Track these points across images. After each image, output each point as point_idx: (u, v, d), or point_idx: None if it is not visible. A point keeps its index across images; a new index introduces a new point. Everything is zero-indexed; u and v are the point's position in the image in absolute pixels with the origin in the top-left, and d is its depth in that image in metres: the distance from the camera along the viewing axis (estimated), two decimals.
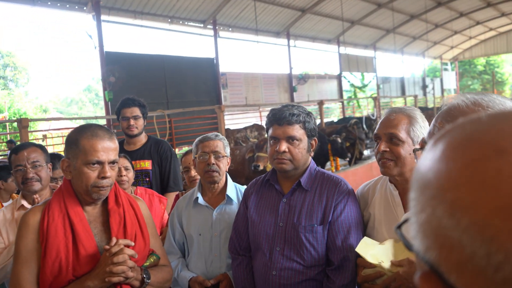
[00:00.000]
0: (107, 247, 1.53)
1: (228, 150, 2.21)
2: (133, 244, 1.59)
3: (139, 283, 1.62)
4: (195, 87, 13.02)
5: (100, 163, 1.59)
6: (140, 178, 3.12)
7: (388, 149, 1.65)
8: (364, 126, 13.37)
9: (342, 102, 19.34)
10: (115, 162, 1.64)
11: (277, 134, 1.80)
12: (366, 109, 21.34)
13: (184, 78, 12.68)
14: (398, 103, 24.54)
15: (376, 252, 1.54)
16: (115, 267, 1.50)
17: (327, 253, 1.76)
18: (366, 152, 12.01)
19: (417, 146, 1.68)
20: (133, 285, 1.60)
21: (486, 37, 25.97)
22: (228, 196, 2.17)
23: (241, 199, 2.18)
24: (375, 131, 1.73)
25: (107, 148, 1.60)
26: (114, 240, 1.56)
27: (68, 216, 1.59)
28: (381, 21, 18.32)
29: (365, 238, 1.57)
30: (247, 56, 17.06)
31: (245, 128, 11.04)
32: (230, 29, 14.49)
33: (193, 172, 2.62)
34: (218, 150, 2.15)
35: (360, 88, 21.94)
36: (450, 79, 29.85)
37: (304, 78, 17.00)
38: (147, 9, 11.69)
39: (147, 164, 3.15)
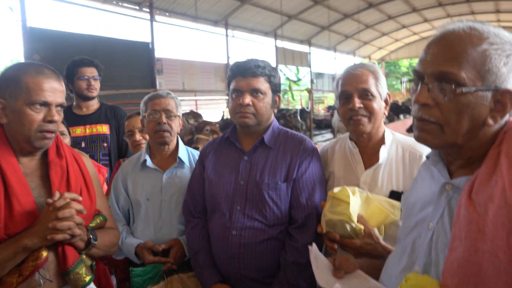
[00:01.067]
0: (50, 200, 1.31)
1: (180, 110, 2.05)
2: (80, 198, 1.39)
3: (84, 245, 1.42)
4: (128, 71, 12.40)
5: (47, 104, 1.37)
6: (97, 143, 2.87)
7: (362, 105, 1.60)
8: (299, 117, 13.75)
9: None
10: (62, 106, 1.43)
11: (241, 86, 1.68)
12: (300, 102, 21.90)
13: (117, 61, 12.00)
14: (330, 98, 25.49)
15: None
16: (60, 223, 1.29)
17: (290, 212, 1.68)
18: None
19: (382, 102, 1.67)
20: (77, 246, 1.40)
21: (410, 41, 27.79)
22: (179, 159, 2.01)
23: (193, 163, 2.04)
24: (342, 87, 1.67)
25: (56, 88, 1.39)
26: (57, 193, 1.35)
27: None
28: (317, 17, 18.80)
29: (345, 186, 1.48)
30: (185, 43, 16.57)
31: (182, 115, 10.75)
32: (167, 14, 13.99)
33: (138, 136, 2.42)
34: (170, 109, 1.98)
35: (295, 81, 22.41)
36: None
37: None
38: None
39: (104, 129, 2.91)
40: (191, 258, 1.83)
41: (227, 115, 15.51)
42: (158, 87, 13.14)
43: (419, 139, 0.96)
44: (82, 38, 11.41)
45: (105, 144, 2.90)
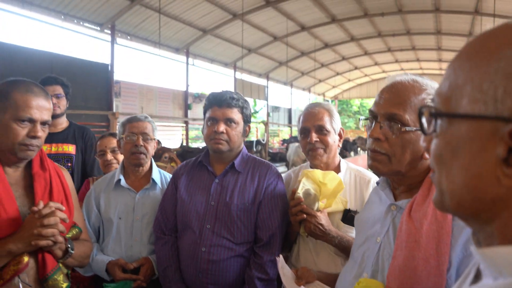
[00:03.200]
0: (36, 208, 1.41)
1: (156, 134, 2.19)
2: (64, 208, 1.49)
3: (62, 253, 1.51)
4: (85, 92, 12.16)
5: (32, 121, 1.47)
6: (61, 162, 2.88)
7: (318, 139, 1.85)
8: (254, 148, 14.06)
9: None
10: (46, 124, 1.54)
11: (216, 115, 1.87)
12: (256, 134, 22.28)
13: (73, 80, 11.53)
14: (285, 132, 26.13)
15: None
16: (45, 230, 1.38)
17: (255, 231, 1.85)
18: None
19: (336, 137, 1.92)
20: (55, 254, 1.49)
21: (362, 82, 29.35)
22: (153, 180, 2.14)
23: (165, 184, 2.17)
24: (302, 124, 1.92)
25: (42, 106, 1.50)
26: (41, 202, 1.44)
27: None
28: (275, 53, 19.52)
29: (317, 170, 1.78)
30: (144, 67, 16.58)
31: None
32: (129, 37, 14.04)
33: (109, 156, 2.51)
34: (147, 132, 2.12)
35: (252, 113, 22.85)
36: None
37: (200, 97, 17.13)
38: (37, 0, 10.74)
39: (70, 149, 2.92)
40: (160, 273, 1.93)
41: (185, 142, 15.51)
42: (115, 109, 12.97)
43: (371, 167, 1.19)
44: (39, 54, 11.11)
45: (69, 164, 2.92)
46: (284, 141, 21.23)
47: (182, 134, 17.06)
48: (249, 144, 14.02)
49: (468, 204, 0.52)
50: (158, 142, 8.28)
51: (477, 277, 0.57)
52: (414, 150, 1.12)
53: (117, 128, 2.17)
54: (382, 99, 1.17)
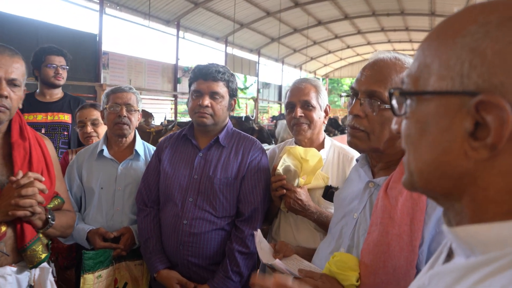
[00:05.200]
0: (14, 178, 1.39)
1: (140, 105, 2.17)
2: (43, 179, 1.47)
3: (42, 224, 1.50)
4: (72, 62, 11.83)
5: None
6: (58, 131, 2.89)
7: (303, 114, 1.84)
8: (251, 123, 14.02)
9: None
10: (16, 83, 1.47)
11: (201, 88, 1.85)
12: (245, 110, 22.22)
13: None
14: (275, 109, 26.09)
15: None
16: (23, 200, 1.37)
17: (237, 205, 1.87)
18: None
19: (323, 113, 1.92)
20: (35, 225, 1.48)
21: (354, 61, 29.24)
22: (136, 151, 2.12)
23: (148, 156, 2.16)
24: (288, 99, 1.92)
25: (5, 64, 1.43)
26: (20, 172, 1.42)
27: None
28: (268, 28, 19.26)
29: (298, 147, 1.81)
30: (134, 39, 16.23)
31: None
32: (118, 7, 13.70)
33: (89, 128, 2.46)
34: (131, 103, 2.09)
35: (241, 89, 22.71)
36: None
37: (190, 71, 16.88)
38: None
39: (66, 118, 2.94)
40: (141, 245, 1.95)
41: (171, 118, 15.40)
42: (102, 81, 12.77)
43: (350, 143, 1.20)
44: (23, 22, 10.78)
45: (65, 133, 2.93)
46: (273, 117, 21.21)
47: (171, 108, 16.91)
48: (239, 120, 13.98)
49: (436, 181, 0.53)
50: (150, 115, 8.23)
51: (450, 256, 0.58)
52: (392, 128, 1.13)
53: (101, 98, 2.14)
54: (363, 76, 1.17)
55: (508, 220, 0.45)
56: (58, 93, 3.02)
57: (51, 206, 1.60)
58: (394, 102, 0.59)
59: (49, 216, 1.52)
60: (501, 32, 0.47)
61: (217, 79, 1.85)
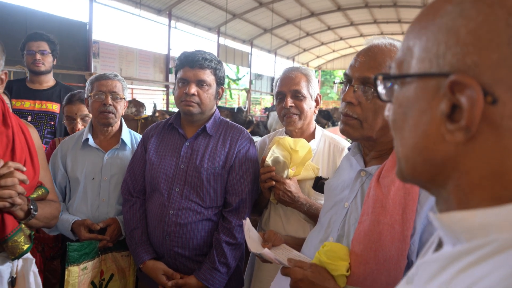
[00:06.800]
0: None
1: (126, 93, 2.10)
2: (24, 169, 1.41)
3: (24, 214, 1.45)
4: (61, 51, 11.44)
5: None
6: (44, 120, 2.81)
7: (293, 104, 1.79)
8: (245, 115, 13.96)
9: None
10: None
11: (188, 76, 1.79)
12: (237, 101, 22.12)
13: None
14: (267, 100, 26.01)
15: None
16: (1, 191, 1.31)
17: (225, 195, 1.82)
18: None
19: (313, 103, 1.87)
20: (17, 215, 1.43)
21: (346, 53, 29.19)
22: (122, 140, 2.06)
23: (135, 145, 2.11)
24: (278, 88, 1.86)
25: None
26: (1, 161, 1.36)
27: None
28: (261, 19, 19.13)
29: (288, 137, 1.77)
30: (125, 28, 15.95)
31: None
32: None
33: (79, 125, 2.38)
34: (116, 91, 2.03)
35: (234, 80, 22.59)
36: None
37: None
38: None
39: (54, 107, 2.85)
40: (127, 235, 1.90)
41: (163, 107, 15.27)
42: (93, 70, 12.61)
43: (343, 131, 1.15)
44: (11, 9, 10.59)
45: (52, 123, 2.85)
46: (266, 109, 21.14)
47: (163, 99, 16.76)
48: (232, 111, 13.91)
49: (421, 168, 0.51)
50: (142, 105, 8.12)
51: (440, 245, 0.56)
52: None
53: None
54: (357, 62, 1.12)
55: (493, 206, 0.43)
56: (49, 81, 2.94)
57: (35, 196, 1.54)
58: (381, 87, 0.57)
59: (32, 207, 1.46)
60: (474, 10, 0.45)
61: (204, 67, 1.79)
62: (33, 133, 1.61)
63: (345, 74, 1.16)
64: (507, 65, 0.42)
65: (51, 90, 2.90)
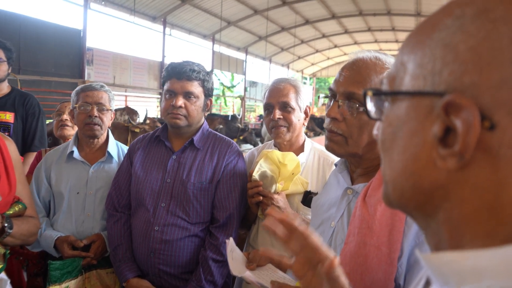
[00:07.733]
0: None
1: (113, 104, 2.06)
2: None
3: None
4: (55, 58, 11.68)
5: None
6: None
7: (282, 117, 1.76)
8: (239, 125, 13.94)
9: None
10: None
11: (175, 88, 1.75)
12: (232, 108, 22.09)
13: (43, 45, 11.27)
14: (262, 107, 26.00)
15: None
16: None
17: (212, 211, 1.78)
18: None
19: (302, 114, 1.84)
20: None
21: (341, 60, 29.25)
22: (109, 153, 2.02)
23: (122, 158, 2.06)
24: (266, 100, 1.83)
25: None
26: None
27: None
28: (255, 27, 19.17)
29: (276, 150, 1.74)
30: (119, 35, 15.91)
31: (115, 110, 10.38)
32: (103, 2, 13.45)
33: (65, 116, 2.33)
34: (103, 102, 1.99)
35: (229, 88, 22.59)
36: (307, 93, 32.80)
37: None
38: None
39: (8, 117, 2.71)
40: (111, 252, 1.84)
41: (157, 115, 15.20)
42: (86, 78, 12.54)
43: (327, 148, 1.12)
44: (5, 16, 10.53)
45: (6, 133, 2.69)
46: (260, 116, 21.12)
47: (157, 106, 16.69)
48: (226, 119, 13.88)
49: (409, 194, 0.47)
50: (135, 113, 8.07)
51: (428, 283, 0.53)
52: (372, 132, 1.06)
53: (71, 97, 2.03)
54: (342, 76, 1.09)
55: (486, 246, 0.39)
56: (3, 89, 2.76)
57: (11, 212, 1.48)
58: (369, 104, 0.53)
59: (6, 224, 1.41)
60: (475, 26, 0.41)
61: (192, 79, 1.75)
62: (10, 146, 1.55)
63: (329, 89, 1.13)
64: (509, 87, 0.38)
65: (5, 98, 2.74)
